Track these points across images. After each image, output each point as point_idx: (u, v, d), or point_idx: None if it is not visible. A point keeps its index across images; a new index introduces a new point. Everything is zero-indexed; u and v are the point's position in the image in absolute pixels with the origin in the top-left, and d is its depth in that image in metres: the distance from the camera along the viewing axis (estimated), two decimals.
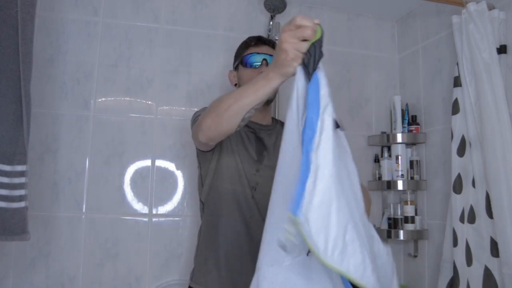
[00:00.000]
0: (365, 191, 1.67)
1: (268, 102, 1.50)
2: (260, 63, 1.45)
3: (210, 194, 1.47)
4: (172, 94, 1.91)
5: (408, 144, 2.05)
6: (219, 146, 1.44)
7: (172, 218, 1.85)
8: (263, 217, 1.38)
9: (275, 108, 1.93)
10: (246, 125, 1.49)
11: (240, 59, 1.51)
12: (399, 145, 2.02)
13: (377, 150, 2.14)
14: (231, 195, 1.41)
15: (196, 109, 1.91)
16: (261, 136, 1.49)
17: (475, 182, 1.61)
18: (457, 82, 1.69)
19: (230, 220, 1.41)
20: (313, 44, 0.85)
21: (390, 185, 2.01)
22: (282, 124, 1.64)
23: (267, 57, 1.45)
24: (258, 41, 1.52)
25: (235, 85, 1.54)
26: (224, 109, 1.10)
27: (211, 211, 1.47)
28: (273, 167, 1.41)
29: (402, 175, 1.99)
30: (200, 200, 1.51)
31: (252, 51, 1.48)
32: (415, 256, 1.99)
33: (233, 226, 1.40)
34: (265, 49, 1.49)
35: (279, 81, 0.97)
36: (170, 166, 1.88)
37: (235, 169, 1.41)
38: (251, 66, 1.47)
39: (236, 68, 1.54)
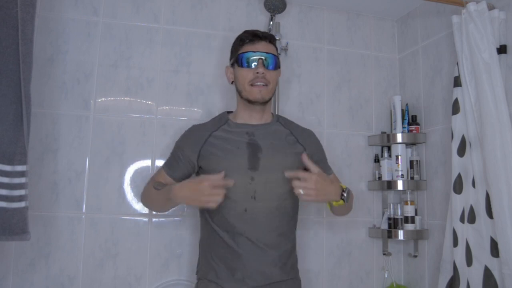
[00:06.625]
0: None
1: (265, 102, 1.44)
2: (256, 63, 1.38)
3: (201, 211, 1.47)
4: (172, 94, 1.91)
5: (408, 144, 2.05)
6: (200, 168, 1.44)
7: (172, 218, 1.84)
8: (258, 229, 1.35)
9: (275, 107, 1.94)
10: (238, 129, 1.44)
11: (235, 57, 1.42)
12: (399, 145, 2.02)
13: (377, 150, 2.14)
14: (219, 211, 1.37)
15: (196, 109, 1.93)
16: (254, 139, 1.42)
17: (475, 182, 1.61)
18: (457, 82, 1.69)
19: (219, 238, 1.39)
20: None
21: (390, 185, 2.01)
22: (284, 120, 1.55)
23: (264, 56, 1.38)
24: (254, 37, 1.41)
25: (232, 82, 1.48)
26: (148, 205, 1.60)
27: (204, 226, 1.47)
28: (271, 169, 1.39)
29: (402, 175, 1.99)
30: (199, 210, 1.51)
31: (247, 49, 1.39)
32: (415, 256, 1.99)
33: (223, 244, 1.38)
34: (261, 46, 1.40)
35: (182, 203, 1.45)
36: None
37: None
38: (247, 66, 1.39)
39: (232, 65, 1.47)
